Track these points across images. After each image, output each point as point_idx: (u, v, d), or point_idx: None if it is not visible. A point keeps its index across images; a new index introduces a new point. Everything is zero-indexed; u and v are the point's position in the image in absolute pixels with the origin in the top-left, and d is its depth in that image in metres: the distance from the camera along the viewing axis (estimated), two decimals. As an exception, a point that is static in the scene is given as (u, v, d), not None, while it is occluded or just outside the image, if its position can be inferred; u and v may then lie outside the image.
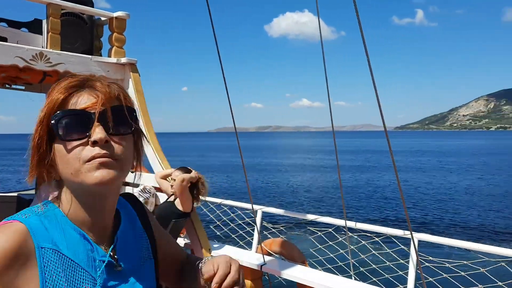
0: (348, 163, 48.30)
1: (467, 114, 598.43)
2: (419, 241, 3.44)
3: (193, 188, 3.72)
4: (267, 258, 3.93)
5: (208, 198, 4.57)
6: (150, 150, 4.22)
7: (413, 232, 2.77)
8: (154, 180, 4.10)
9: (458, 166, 45.20)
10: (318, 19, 2.94)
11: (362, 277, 4.03)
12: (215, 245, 4.40)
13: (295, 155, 68.75)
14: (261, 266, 3.86)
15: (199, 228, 4.09)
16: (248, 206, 4.60)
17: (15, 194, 5.27)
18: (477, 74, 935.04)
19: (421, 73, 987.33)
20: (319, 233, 4.38)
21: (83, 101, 0.85)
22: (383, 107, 1.98)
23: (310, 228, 4.89)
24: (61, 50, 4.12)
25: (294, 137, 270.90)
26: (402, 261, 3.84)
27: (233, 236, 5.16)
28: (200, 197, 3.82)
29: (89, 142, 0.83)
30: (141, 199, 3.98)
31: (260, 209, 4.40)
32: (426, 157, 60.23)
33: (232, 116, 3.01)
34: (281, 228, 5.04)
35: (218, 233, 5.28)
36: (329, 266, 4.35)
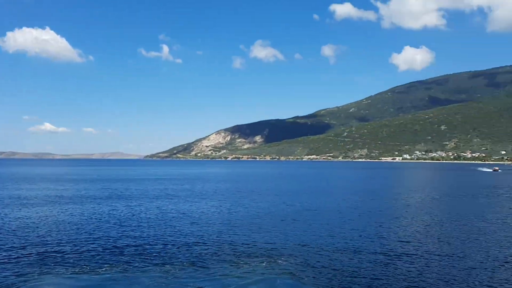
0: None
1: (209, 145, 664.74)
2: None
3: None
4: None
5: None
6: None
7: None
8: None
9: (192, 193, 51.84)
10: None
11: None
12: None
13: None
14: None
15: None
16: None
17: None
18: (216, 110, 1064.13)
19: (169, 107, 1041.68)
20: None
21: None
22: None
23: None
24: None
25: (33, 164, 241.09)
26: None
27: None
28: None
29: None
30: None
31: None
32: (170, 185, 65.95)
33: None
34: None
35: None
36: None
